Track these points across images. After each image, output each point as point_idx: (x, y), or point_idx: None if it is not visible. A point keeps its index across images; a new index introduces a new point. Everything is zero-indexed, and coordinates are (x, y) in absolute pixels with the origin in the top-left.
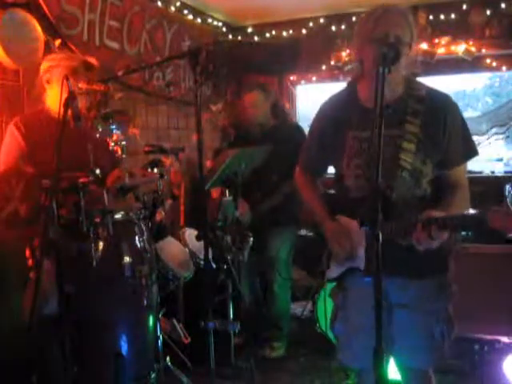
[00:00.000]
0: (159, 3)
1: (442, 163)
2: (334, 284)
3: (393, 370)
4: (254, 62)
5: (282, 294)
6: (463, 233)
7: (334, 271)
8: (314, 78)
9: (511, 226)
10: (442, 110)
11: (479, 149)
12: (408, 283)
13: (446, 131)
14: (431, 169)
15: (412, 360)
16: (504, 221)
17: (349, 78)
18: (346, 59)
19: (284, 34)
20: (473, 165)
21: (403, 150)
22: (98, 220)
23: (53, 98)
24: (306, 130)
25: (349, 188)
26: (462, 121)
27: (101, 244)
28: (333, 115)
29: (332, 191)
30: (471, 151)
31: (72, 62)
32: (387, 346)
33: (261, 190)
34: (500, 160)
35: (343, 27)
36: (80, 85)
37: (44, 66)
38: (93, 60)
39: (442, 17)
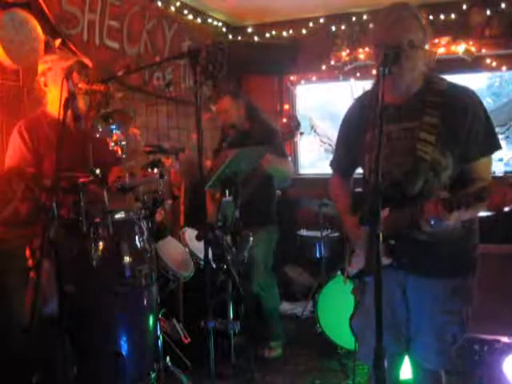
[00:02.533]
0: (159, 3)
1: (463, 156)
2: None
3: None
4: (254, 62)
5: (266, 295)
6: None
7: (355, 267)
8: (313, 78)
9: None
10: (462, 102)
11: None
12: (426, 282)
13: (467, 123)
14: (451, 162)
15: (424, 360)
16: (506, 194)
17: (348, 78)
18: (346, 59)
19: (284, 34)
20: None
21: (421, 141)
22: (97, 220)
23: (52, 100)
24: (307, 129)
25: (368, 182)
26: (485, 114)
27: (101, 244)
28: (356, 116)
29: (359, 189)
30: (493, 145)
31: (65, 62)
32: (404, 344)
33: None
34: (500, 160)
35: (343, 27)
36: (80, 85)
37: (39, 69)
38: (86, 59)
39: (442, 17)
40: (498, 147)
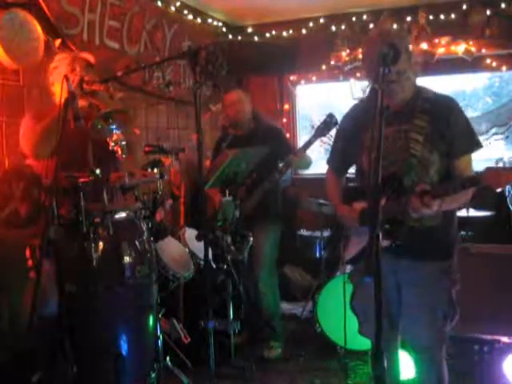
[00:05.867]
0: (159, 3)
1: (449, 153)
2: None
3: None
4: (254, 61)
5: (268, 293)
6: (463, 232)
7: (351, 252)
8: (313, 78)
9: (502, 181)
10: (446, 108)
11: None
12: (414, 264)
13: (450, 126)
14: (438, 158)
15: (414, 336)
16: (497, 177)
17: (348, 78)
18: (346, 59)
19: (284, 34)
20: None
21: (412, 140)
22: (98, 220)
23: (58, 99)
24: (307, 129)
25: (367, 177)
26: (465, 118)
27: (101, 244)
28: (354, 118)
29: (352, 184)
30: (474, 144)
31: (69, 60)
32: (396, 324)
33: (245, 186)
34: (500, 160)
35: (343, 27)
36: (86, 78)
37: (50, 68)
38: (88, 55)
39: (442, 17)
40: (479, 146)
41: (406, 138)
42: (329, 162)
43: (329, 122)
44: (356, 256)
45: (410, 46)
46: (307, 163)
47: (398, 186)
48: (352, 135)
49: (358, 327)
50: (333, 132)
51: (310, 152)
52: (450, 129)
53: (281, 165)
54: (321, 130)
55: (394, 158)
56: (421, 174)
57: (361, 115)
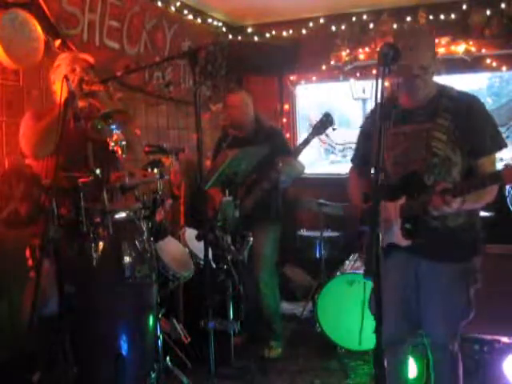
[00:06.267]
0: (159, 3)
1: (471, 153)
2: None
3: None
4: (254, 61)
5: (269, 293)
6: None
7: None
8: (313, 78)
9: None
10: (470, 107)
11: None
12: (434, 265)
13: (474, 125)
14: (461, 158)
15: (433, 332)
16: None
17: (348, 78)
18: (346, 59)
19: (284, 34)
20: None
21: (435, 139)
22: (98, 220)
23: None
24: (307, 129)
25: (388, 175)
26: (489, 117)
27: (101, 244)
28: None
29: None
30: (498, 143)
31: (69, 60)
32: (414, 322)
33: (244, 186)
34: (500, 160)
35: (343, 27)
36: (86, 78)
37: (53, 66)
38: (87, 56)
39: (442, 17)
40: (503, 145)
41: (429, 137)
42: (352, 160)
43: (325, 121)
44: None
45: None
46: (298, 171)
47: (419, 185)
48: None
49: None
50: (329, 131)
51: (309, 152)
52: (473, 128)
53: (272, 173)
54: (317, 129)
55: (414, 156)
56: (443, 174)
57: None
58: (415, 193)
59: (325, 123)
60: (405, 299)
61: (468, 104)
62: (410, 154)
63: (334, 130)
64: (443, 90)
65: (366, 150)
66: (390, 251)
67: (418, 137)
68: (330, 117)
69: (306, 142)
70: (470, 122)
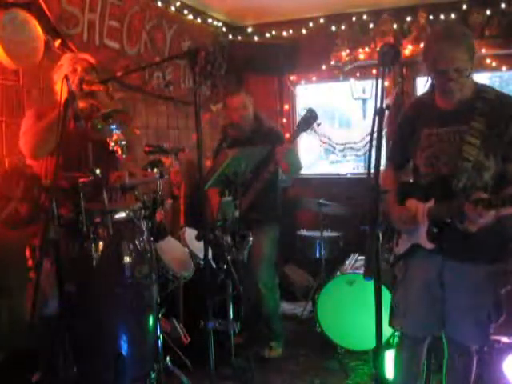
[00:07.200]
0: (159, 3)
1: (505, 158)
2: None
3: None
4: (254, 61)
5: (268, 293)
6: None
7: (401, 248)
8: (313, 78)
9: None
10: (507, 110)
11: None
12: (460, 266)
13: (509, 128)
14: (494, 163)
15: (458, 334)
16: None
17: (348, 78)
18: (346, 59)
19: (284, 34)
20: None
21: (468, 144)
22: (98, 220)
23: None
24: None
25: (420, 175)
26: None
27: (101, 244)
28: (413, 115)
29: (409, 179)
30: None
31: (70, 60)
32: (440, 320)
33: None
34: None
35: (343, 27)
36: (86, 78)
37: (56, 66)
38: (88, 56)
39: (442, 17)
40: None
41: (462, 141)
42: (388, 156)
43: (308, 117)
44: (405, 252)
45: (475, 44)
46: (298, 158)
47: (447, 189)
48: (410, 130)
49: (394, 317)
50: (314, 126)
51: (309, 152)
52: (508, 131)
53: (264, 173)
54: (301, 126)
55: (446, 159)
56: (474, 178)
57: (419, 113)
58: (444, 197)
59: (308, 119)
60: (430, 298)
61: (507, 107)
62: (442, 157)
63: (318, 125)
64: (481, 92)
65: (403, 146)
66: (414, 250)
67: (450, 140)
68: (314, 112)
69: (293, 139)
70: (506, 126)
